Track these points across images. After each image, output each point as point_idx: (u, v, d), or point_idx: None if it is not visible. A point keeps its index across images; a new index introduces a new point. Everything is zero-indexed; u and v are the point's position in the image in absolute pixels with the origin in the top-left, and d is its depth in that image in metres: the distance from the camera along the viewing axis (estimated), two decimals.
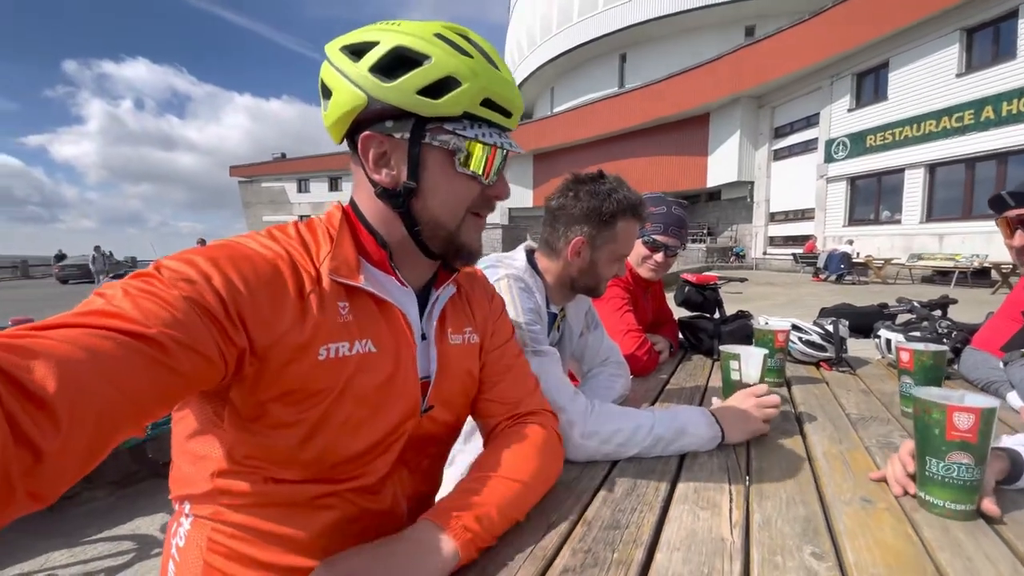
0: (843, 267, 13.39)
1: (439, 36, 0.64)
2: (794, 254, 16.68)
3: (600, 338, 1.41)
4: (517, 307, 1.04)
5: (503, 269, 1.11)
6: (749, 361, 1.16)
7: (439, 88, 0.63)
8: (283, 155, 41.87)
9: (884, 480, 0.84)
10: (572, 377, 1.55)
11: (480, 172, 0.69)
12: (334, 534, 0.67)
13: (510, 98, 0.69)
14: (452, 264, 0.76)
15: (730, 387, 1.18)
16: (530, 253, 1.23)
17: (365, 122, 0.66)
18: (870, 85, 15.70)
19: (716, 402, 1.11)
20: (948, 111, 13.33)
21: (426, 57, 0.63)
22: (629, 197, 1.14)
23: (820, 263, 14.24)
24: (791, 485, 0.85)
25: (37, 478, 0.37)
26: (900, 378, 1.23)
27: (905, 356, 1.19)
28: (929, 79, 13.77)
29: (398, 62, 0.63)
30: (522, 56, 32.31)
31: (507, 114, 0.69)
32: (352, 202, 0.74)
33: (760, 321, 1.83)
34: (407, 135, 0.66)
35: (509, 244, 26.50)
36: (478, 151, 0.68)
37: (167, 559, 0.68)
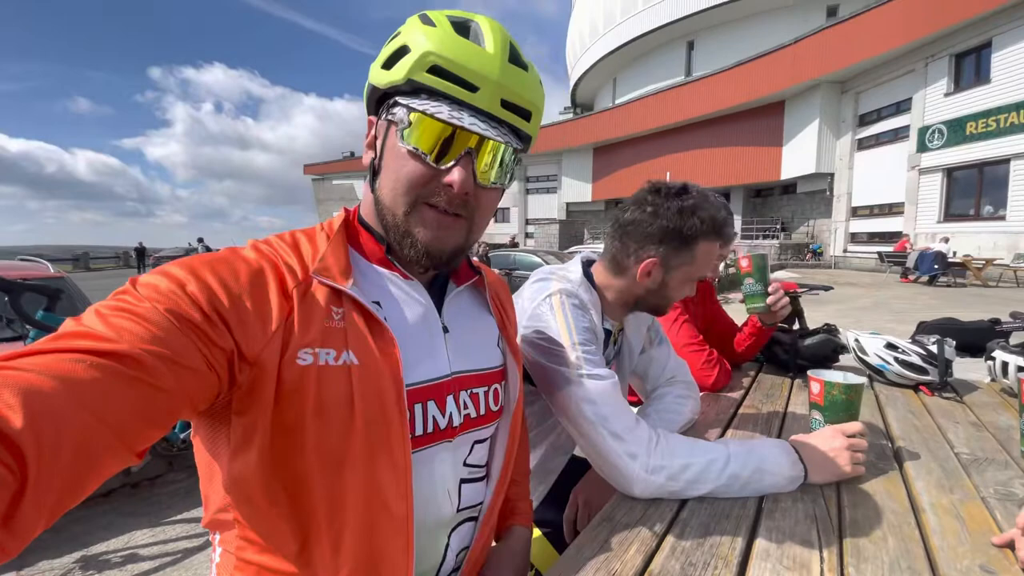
0: (936, 267, 12.21)
1: (422, 15, 0.63)
2: (879, 252, 15.39)
3: (667, 353, 1.32)
4: (570, 327, 0.96)
5: (556, 283, 1.03)
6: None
7: (394, 59, 0.61)
8: (352, 154, 43.64)
9: (1010, 546, 0.71)
10: (631, 393, 1.46)
11: (424, 149, 0.61)
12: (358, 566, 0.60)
13: (472, 68, 0.59)
14: (412, 262, 0.66)
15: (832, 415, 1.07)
16: (586, 265, 1.15)
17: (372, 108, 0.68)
18: (970, 67, 14.16)
19: (799, 433, 1.00)
20: None
21: (399, 35, 0.63)
22: (714, 216, 1.01)
23: (910, 262, 13.06)
24: (894, 545, 0.73)
25: (13, 518, 0.35)
26: (1023, 414, 1.06)
27: None
28: None
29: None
30: (584, 47, 31.74)
31: (469, 87, 0.60)
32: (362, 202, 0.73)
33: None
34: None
35: (566, 240, 26.27)
36: (419, 123, 0.60)
37: None
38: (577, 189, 28.13)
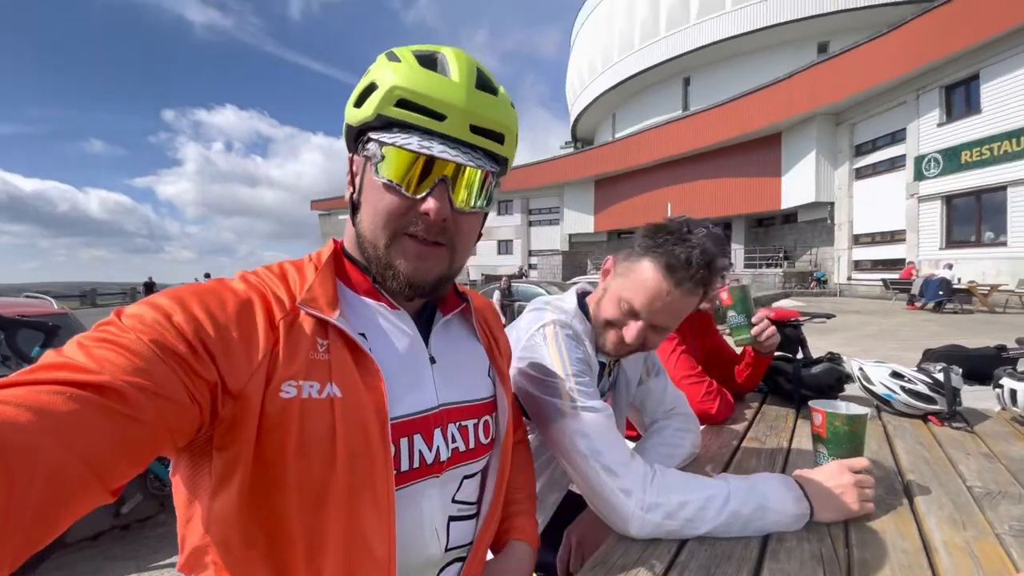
0: (941, 294, 12.14)
1: (389, 52, 0.65)
2: (884, 279, 15.34)
3: (664, 385, 1.28)
4: (563, 358, 0.94)
5: (550, 314, 1.02)
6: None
7: (364, 97, 0.63)
8: None
9: None
10: (629, 427, 1.42)
11: (398, 180, 0.61)
12: None
13: (438, 97, 0.61)
14: (396, 292, 0.67)
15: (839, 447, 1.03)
16: (581, 296, 1.12)
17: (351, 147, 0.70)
18: (960, 98, 14.46)
19: (805, 467, 0.96)
20: None
21: (368, 73, 0.65)
22: (674, 251, 0.91)
23: (915, 289, 13.01)
24: None
25: None
26: None
27: None
28: None
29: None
30: (583, 85, 32.60)
31: (436, 116, 0.61)
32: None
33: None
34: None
35: (569, 270, 26.36)
36: (392, 155, 0.61)
37: None
38: (579, 221, 28.42)
